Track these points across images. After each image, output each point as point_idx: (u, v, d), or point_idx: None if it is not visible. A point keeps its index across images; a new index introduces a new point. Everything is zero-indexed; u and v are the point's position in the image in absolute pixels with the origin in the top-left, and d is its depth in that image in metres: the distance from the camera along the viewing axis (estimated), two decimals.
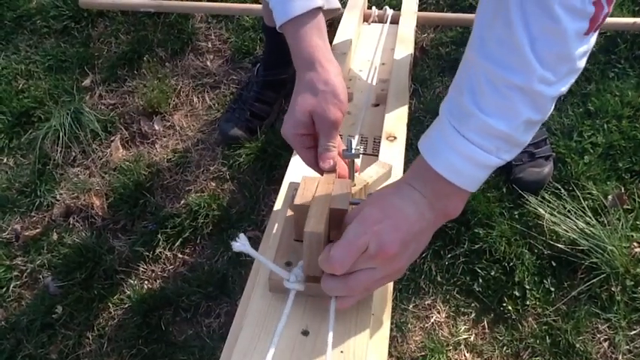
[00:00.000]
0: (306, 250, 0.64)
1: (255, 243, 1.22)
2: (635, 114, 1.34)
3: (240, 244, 0.65)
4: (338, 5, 0.77)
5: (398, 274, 0.62)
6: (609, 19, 1.43)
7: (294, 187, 0.77)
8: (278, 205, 0.92)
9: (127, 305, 1.24)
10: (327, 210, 0.68)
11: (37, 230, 1.39)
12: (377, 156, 1.01)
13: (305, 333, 0.63)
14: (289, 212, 0.79)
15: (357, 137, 0.97)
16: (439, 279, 1.20)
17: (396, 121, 0.99)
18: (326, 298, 0.64)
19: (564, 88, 0.58)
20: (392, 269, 0.61)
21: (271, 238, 0.77)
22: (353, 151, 0.75)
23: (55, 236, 1.37)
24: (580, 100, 1.38)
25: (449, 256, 1.21)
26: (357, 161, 0.82)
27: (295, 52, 0.75)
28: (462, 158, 0.58)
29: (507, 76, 0.56)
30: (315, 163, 0.75)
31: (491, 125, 0.57)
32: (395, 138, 0.94)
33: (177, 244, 1.30)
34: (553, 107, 0.60)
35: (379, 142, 1.11)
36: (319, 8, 0.74)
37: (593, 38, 0.57)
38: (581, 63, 0.57)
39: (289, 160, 0.89)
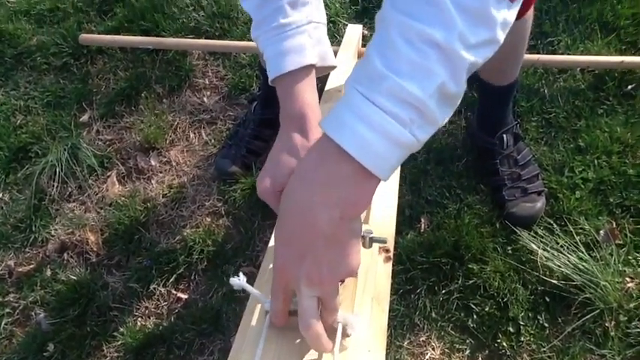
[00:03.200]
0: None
1: (250, 279, 1.20)
2: (624, 150, 1.34)
3: (238, 281, 0.65)
4: (334, 63, 0.76)
5: (330, 287, 0.57)
6: (598, 58, 1.44)
7: None
8: (273, 240, 0.91)
9: (119, 343, 1.21)
10: None
11: (31, 266, 1.37)
12: None
13: None
14: None
15: None
16: (434, 315, 1.18)
17: None
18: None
19: (480, 60, 0.51)
20: (322, 290, 0.56)
21: (267, 273, 0.76)
22: None
23: (48, 272, 1.35)
24: (570, 136, 1.38)
25: (443, 291, 1.19)
26: None
27: (284, 107, 0.73)
28: (370, 129, 0.49)
29: (426, 30, 0.48)
30: None
31: (403, 87, 0.48)
32: None
33: (172, 280, 1.28)
34: (466, 85, 0.53)
35: None
36: (312, 65, 0.73)
37: (513, 14, 0.52)
38: (500, 35, 0.52)
39: None
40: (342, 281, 0.69)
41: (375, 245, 0.74)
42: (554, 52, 1.53)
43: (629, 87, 1.43)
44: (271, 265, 0.80)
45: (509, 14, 0.51)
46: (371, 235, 0.71)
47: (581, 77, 1.48)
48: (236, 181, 1.41)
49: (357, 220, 0.57)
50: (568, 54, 1.51)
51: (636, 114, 1.39)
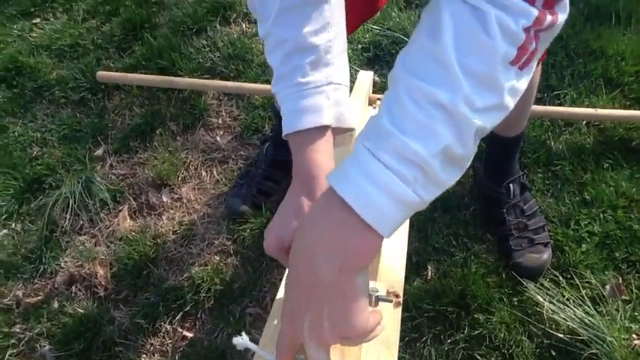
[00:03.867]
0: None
1: (255, 320, 1.19)
2: (629, 205, 1.34)
3: (242, 340, 0.65)
4: (352, 125, 0.76)
5: (331, 342, 0.56)
6: (603, 111, 1.46)
7: None
8: (281, 292, 0.90)
9: None
10: None
11: (39, 297, 1.36)
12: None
13: None
14: None
15: None
16: None
17: None
18: None
19: (488, 125, 0.51)
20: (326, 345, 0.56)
21: (271, 329, 0.75)
22: None
23: (56, 304, 1.34)
24: (576, 188, 1.39)
25: (449, 341, 1.18)
26: None
27: (295, 164, 0.72)
28: (375, 186, 0.49)
29: (431, 90, 0.49)
30: None
31: (407, 145, 0.48)
32: None
33: (178, 317, 1.27)
34: (476, 149, 0.52)
35: None
36: (327, 126, 0.72)
37: (523, 83, 0.52)
38: (509, 101, 0.52)
39: None
40: None
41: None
42: (560, 105, 1.55)
43: (634, 143, 1.45)
44: (276, 321, 0.79)
45: (518, 83, 0.52)
46: (377, 294, 0.71)
47: (587, 131, 1.49)
48: (246, 221, 1.42)
49: (361, 276, 0.54)
50: (574, 107, 1.53)
51: None
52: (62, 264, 1.41)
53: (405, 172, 0.48)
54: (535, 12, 0.49)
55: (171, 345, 1.24)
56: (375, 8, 1.24)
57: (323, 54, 0.73)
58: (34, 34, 2.03)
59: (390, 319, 0.80)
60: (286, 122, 0.73)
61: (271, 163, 1.46)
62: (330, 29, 0.75)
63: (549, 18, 0.50)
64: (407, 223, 1.01)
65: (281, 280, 1.31)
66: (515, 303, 1.22)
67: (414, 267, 1.29)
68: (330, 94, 0.74)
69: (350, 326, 0.54)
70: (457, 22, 0.49)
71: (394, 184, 0.49)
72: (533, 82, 1.15)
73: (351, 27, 1.55)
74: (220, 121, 1.68)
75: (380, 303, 0.74)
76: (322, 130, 0.72)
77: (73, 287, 1.37)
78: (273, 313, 0.86)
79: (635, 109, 1.51)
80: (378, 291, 0.73)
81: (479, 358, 1.15)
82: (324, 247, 0.52)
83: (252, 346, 0.65)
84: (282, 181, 1.47)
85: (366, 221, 0.49)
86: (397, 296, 0.79)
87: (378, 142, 0.50)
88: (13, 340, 1.29)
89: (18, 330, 1.31)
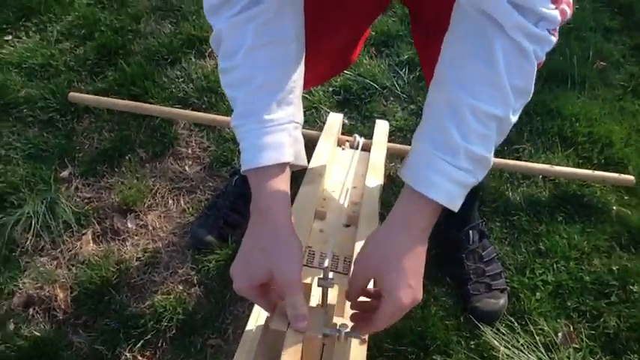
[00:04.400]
0: None
1: (217, 351, 1.19)
2: (581, 257, 1.41)
3: None
4: (305, 163, 0.79)
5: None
6: (557, 168, 1.54)
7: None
8: (251, 324, 0.91)
9: None
10: (301, 340, 0.69)
11: None
12: (347, 274, 1.02)
13: None
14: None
15: (327, 260, 0.97)
16: None
17: None
18: None
19: (517, 118, 0.72)
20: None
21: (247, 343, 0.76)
22: (328, 280, 0.76)
23: (11, 326, 1.29)
24: (532, 239, 1.45)
25: None
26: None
27: (255, 200, 0.75)
28: (455, 184, 0.69)
29: (491, 110, 0.67)
30: (273, 307, 0.75)
31: (475, 152, 0.68)
32: None
33: (139, 345, 1.25)
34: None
35: (350, 262, 1.13)
36: (287, 163, 0.75)
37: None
38: (530, 96, 0.72)
39: None
40: None
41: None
42: (518, 159, 1.63)
43: (586, 199, 1.53)
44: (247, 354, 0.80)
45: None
46: (346, 330, 0.74)
47: (543, 185, 1.57)
48: (211, 251, 1.41)
49: None
50: (531, 161, 1.61)
51: (592, 224, 1.48)
52: (20, 285, 1.37)
53: (472, 168, 0.69)
54: (554, 39, 0.68)
55: None
56: (348, 62, 1.29)
57: (287, 93, 0.76)
58: (4, 51, 1.99)
59: (356, 356, 0.82)
60: (247, 158, 0.75)
61: (239, 196, 1.47)
62: (297, 69, 0.79)
63: (556, 38, 0.69)
64: None
65: (244, 312, 1.32)
66: (472, 346, 1.25)
67: None
68: (291, 132, 0.77)
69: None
70: (507, 56, 0.66)
71: (466, 179, 0.69)
72: None
73: (323, 78, 1.61)
74: (190, 151, 1.69)
75: (347, 338, 0.76)
76: (282, 166, 0.75)
77: (31, 309, 1.33)
78: (243, 342, 0.87)
79: (587, 167, 1.60)
80: (347, 327, 0.76)
81: None
82: (422, 241, 0.73)
83: None
84: (248, 214, 1.47)
85: (450, 208, 0.70)
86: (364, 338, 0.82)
87: (455, 154, 0.68)
88: None
89: None
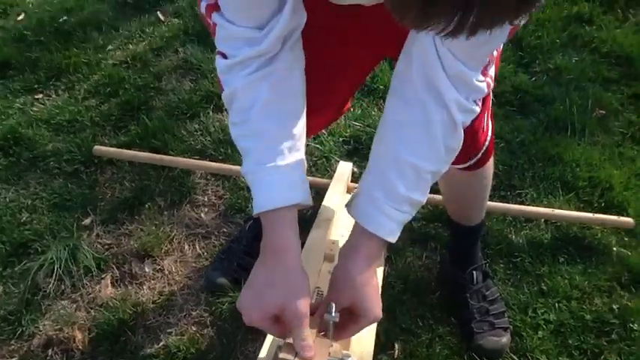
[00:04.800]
0: None
1: None
2: (582, 297, 1.43)
3: None
4: (311, 203, 0.86)
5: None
6: (559, 212, 1.58)
7: (277, 344, 0.82)
8: (263, 353, 0.96)
9: None
10: None
11: (14, 359, 1.37)
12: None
13: None
14: None
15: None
16: None
17: None
18: None
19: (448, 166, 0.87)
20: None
21: None
22: (333, 314, 0.81)
23: None
24: (534, 279, 1.48)
25: None
26: None
27: (268, 239, 0.81)
28: (397, 224, 0.82)
29: (429, 167, 0.82)
30: (284, 332, 0.80)
31: (415, 199, 0.82)
32: None
33: None
34: None
35: None
36: (298, 204, 0.81)
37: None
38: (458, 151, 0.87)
39: None
40: None
41: None
42: (521, 203, 1.67)
43: (587, 241, 1.56)
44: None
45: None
46: (349, 359, 0.79)
47: (545, 227, 1.61)
48: (224, 294, 1.46)
49: None
50: (533, 206, 1.65)
51: (592, 265, 1.50)
52: (41, 327, 1.43)
53: (411, 211, 0.84)
54: (478, 110, 0.84)
55: None
56: (342, 112, 1.37)
57: (295, 141, 0.84)
58: (34, 109, 2.12)
59: None
60: (261, 201, 0.81)
61: (252, 240, 1.52)
62: (303, 120, 0.86)
63: (479, 108, 0.85)
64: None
65: (254, 352, 1.35)
66: None
67: (381, 345, 1.34)
68: (300, 175, 0.84)
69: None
70: (443, 126, 0.81)
71: (405, 218, 0.83)
72: (485, 177, 1.27)
73: (322, 127, 1.70)
74: (206, 199, 1.76)
75: None
76: (293, 207, 0.81)
77: (50, 350, 1.38)
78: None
79: (587, 211, 1.63)
80: (350, 356, 0.80)
81: None
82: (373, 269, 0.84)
83: None
84: None
85: (391, 242, 0.83)
86: None
87: (398, 201, 0.81)
88: None
89: None
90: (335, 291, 0.82)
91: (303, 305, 0.76)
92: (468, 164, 1.15)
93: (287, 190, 0.81)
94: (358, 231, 0.83)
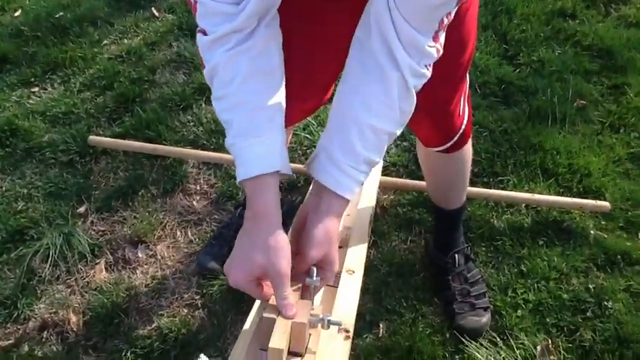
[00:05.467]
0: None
1: None
2: (560, 277, 1.46)
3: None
4: (291, 173, 0.89)
5: None
6: (539, 196, 1.61)
7: (264, 306, 0.85)
8: (247, 325, 0.98)
9: None
10: (289, 326, 0.76)
11: (10, 341, 1.39)
12: (336, 287, 1.10)
13: None
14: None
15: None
16: None
17: (355, 258, 1.09)
18: None
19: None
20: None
21: (239, 349, 0.83)
22: (314, 279, 0.84)
23: (26, 348, 1.37)
24: (515, 261, 1.51)
25: None
26: None
27: (251, 205, 0.83)
28: (356, 183, 0.84)
29: (387, 129, 0.84)
30: (267, 295, 0.83)
31: (372, 159, 0.84)
32: (353, 272, 1.04)
33: None
34: None
35: (339, 277, 1.20)
36: (278, 171, 0.84)
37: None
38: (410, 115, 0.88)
39: None
40: None
41: (336, 327, 0.83)
42: (503, 189, 1.69)
43: (565, 224, 1.59)
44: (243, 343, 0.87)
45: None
46: (329, 318, 0.81)
47: (525, 212, 1.64)
48: (215, 277, 1.49)
49: None
50: (515, 192, 1.68)
51: (570, 247, 1.53)
52: (36, 310, 1.45)
53: (369, 171, 0.86)
54: (429, 74, 0.85)
55: None
56: (323, 101, 1.39)
57: (275, 114, 0.86)
58: (31, 101, 2.13)
59: (339, 350, 0.89)
60: (244, 169, 0.83)
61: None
62: (281, 96, 0.89)
63: (430, 73, 0.86)
64: (360, 277, 1.11)
65: None
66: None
67: (367, 325, 1.37)
68: (280, 145, 0.86)
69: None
70: (400, 89, 0.82)
71: (363, 177, 0.85)
72: (465, 159, 1.30)
73: (304, 116, 1.73)
74: (198, 188, 1.78)
75: (332, 334, 0.83)
76: (274, 174, 0.83)
77: (45, 333, 1.40)
78: (240, 337, 0.94)
79: (566, 196, 1.66)
80: (330, 315, 0.83)
81: None
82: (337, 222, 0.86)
83: None
84: None
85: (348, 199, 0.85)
86: (347, 331, 0.88)
87: (357, 161, 0.83)
88: None
89: None
90: (313, 247, 0.84)
91: (284, 265, 0.79)
92: (445, 146, 1.18)
93: (267, 157, 0.83)
94: (324, 191, 0.85)
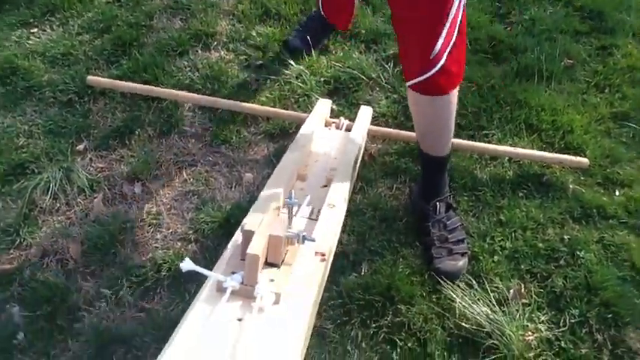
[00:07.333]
0: (246, 266, 0.78)
1: None
2: (536, 227, 1.50)
3: (187, 264, 0.78)
4: None
5: None
6: (522, 150, 1.64)
7: (245, 222, 0.91)
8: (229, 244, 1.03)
9: (83, 339, 1.27)
10: (267, 237, 0.82)
11: (12, 266, 1.43)
12: (316, 220, 1.13)
13: (239, 320, 0.80)
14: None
15: (294, 195, 1.07)
16: (363, 345, 1.27)
17: (337, 194, 1.13)
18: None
19: None
20: None
21: (220, 261, 0.90)
22: (292, 200, 0.89)
23: (28, 272, 1.41)
24: (494, 211, 1.55)
25: (374, 325, 1.30)
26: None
27: None
28: None
29: None
30: None
31: None
32: (334, 206, 1.08)
33: (139, 291, 1.36)
34: None
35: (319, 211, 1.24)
36: None
37: None
38: None
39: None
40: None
41: (313, 251, 0.89)
42: (488, 143, 1.72)
43: (545, 178, 1.62)
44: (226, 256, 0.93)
45: None
46: (304, 234, 0.87)
47: (508, 165, 1.67)
48: (300, 58, 1.95)
49: None
50: (499, 145, 1.70)
51: (549, 200, 1.57)
52: (37, 238, 1.48)
53: None
54: None
55: (130, 314, 1.32)
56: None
57: None
58: (30, 42, 2.11)
59: (314, 267, 0.94)
60: None
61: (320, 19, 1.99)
62: None
63: None
64: (340, 212, 1.15)
65: None
66: (434, 299, 1.35)
67: (350, 264, 1.41)
68: None
69: None
70: None
71: None
72: (452, 102, 1.33)
73: (348, 22, 1.86)
74: (193, 130, 1.80)
75: (310, 256, 0.88)
76: None
77: (46, 259, 1.44)
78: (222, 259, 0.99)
79: (548, 151, 1.69)
80: (304, 232, 0.88)
81: (398, 341, 1.27)
82: None
83: (196, 267, 0.78)
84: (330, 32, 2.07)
85: None
86: (323, 255, 0.93)
87: None
88: None
89: None
90: None
91: None
92: (419, 79, 1.23)
93: None
94: None
